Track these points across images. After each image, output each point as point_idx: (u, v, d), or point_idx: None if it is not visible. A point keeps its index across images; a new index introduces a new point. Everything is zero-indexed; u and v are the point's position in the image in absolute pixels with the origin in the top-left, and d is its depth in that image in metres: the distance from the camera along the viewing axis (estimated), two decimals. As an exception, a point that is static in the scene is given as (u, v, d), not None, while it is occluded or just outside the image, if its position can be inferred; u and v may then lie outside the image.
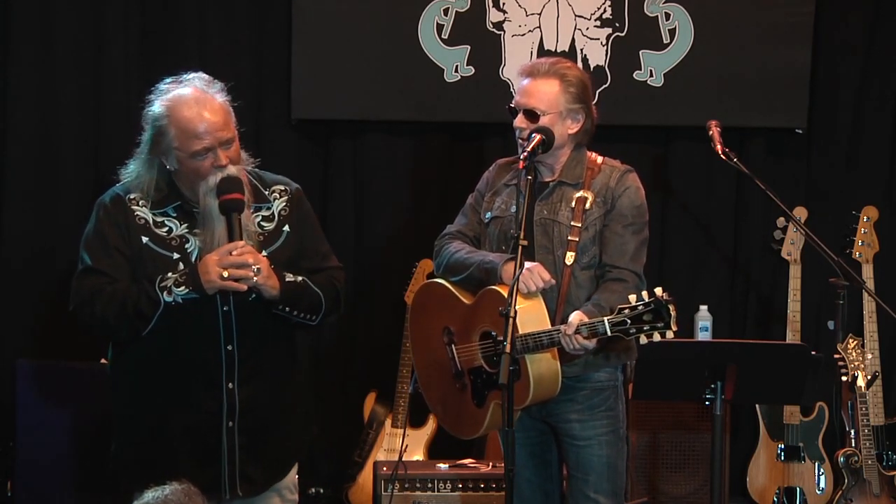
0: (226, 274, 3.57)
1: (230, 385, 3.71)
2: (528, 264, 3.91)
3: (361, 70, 5.96)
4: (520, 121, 4.06)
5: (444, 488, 5.11)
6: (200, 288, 3.59)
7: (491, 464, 5.26)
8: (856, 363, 5.49)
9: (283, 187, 3.86)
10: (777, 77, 6.04)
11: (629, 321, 3.70)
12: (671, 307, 3.67)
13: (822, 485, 5.71)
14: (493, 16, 5.98)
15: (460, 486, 5.13)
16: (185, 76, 3.77)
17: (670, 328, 3.68)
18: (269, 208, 3.81)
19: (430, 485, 5.11)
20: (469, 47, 5.98)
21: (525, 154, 3.91)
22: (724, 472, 5.15)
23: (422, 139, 6.16)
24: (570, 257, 3.99)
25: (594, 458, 4.05)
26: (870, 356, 5.58)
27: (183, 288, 3.60)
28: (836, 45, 6.17)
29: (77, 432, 5.42)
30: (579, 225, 4.00)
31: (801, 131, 6.16)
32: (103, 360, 5.57)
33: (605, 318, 3.73)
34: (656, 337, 3.69)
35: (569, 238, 4.00)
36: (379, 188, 6.14)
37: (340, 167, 6.11)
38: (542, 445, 4.18)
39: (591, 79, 4.18)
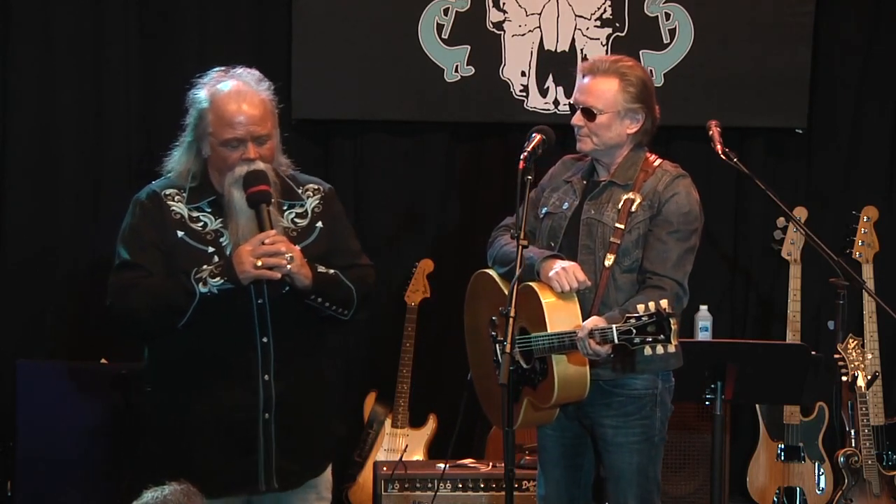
0: (259, 263, 3.59)
1: (266, 377, 3.73)
2: (564, 263, 3.88)
3: (361, 70, 5.96)
4: (577, 119, 4.01)
5: (445, 488, 5.11)
6: (235, 278, 3.61)
7: (491, 464, 5.26)
8: (856, 363, 5.49)
9: (316, 186, 3.93)
10: (777, 77, 6.04)
11: (634, 331, 3.64)
12: (672, 321, 3.62)
13: (822, 485, 5.71)
14: (493, 16, 5.99)
15: (460, 486, 5.12)
16: (235, 69, 3.84)
17: (670, 342, 3.61)
18: (302, 206, 3.86)
19: (430, 485, 5.11)
20: (469, 47, 5.98)
21: (525, 154, 3.88)
22: (724, 472, 5.16)
23: (422, 139, 6.16)
24: (609, 259, 3.94)
25: (625, 464, 4.01)
26: (870, 356, 5.59)
27: (218, 279, 3.62)
28: (836, 45, 6.17)
29: (77, 432, 5.42)
30: (622, 227, 3.94)
31: (801, 131, 6.16)
32: (103, 360, 5.60)
33: (614, 326, 3.69)
34: (659, 350, 3.65)
35: (611, 240, 3.95)
36: (379, 188, 6.14)
37: (340, 167, 6.11)
38: (575, 448, 4.14)
39: (651, 78, 4.12)
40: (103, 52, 5.94)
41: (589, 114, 3.99)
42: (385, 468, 5.19)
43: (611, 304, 3.92)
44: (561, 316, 3.84)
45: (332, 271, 3.77)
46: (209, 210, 3.76)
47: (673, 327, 3.61)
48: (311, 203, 3.88)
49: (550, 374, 3.86)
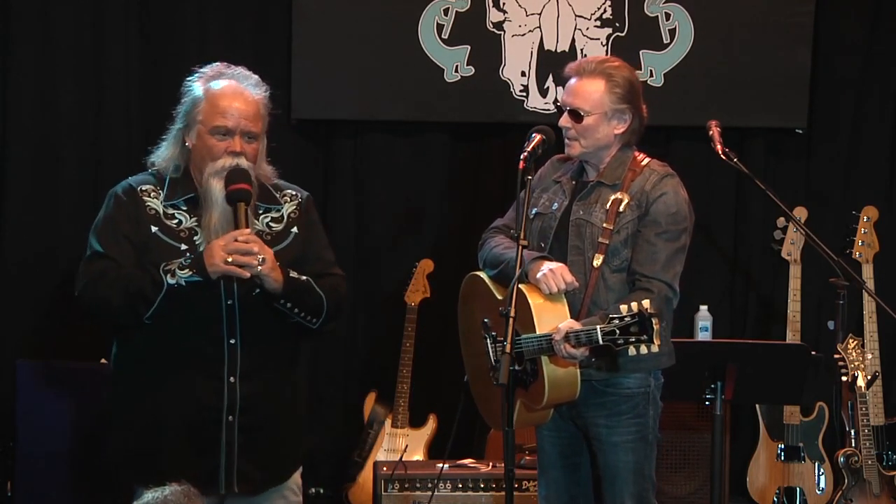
0: (230, 259, 3.59)
1: (231, 379, 3.73)
2: (552, 265, 3.89)
3: (361, 70, 5.96)
4: (564, 120, 4.02)
5: (444, 488, 5.11)
6: (204, 271, 3.61)
7: (491, 464, 5.26)
8: (856, 363, 5.49)
9: (294, 192, 3.93)
10: (777, 77, 6.04)
11: (618, 331, 3.65)
12: (654, 321, 3.62)
13: (822, 485, 5.71)
14: (493, 16, 5.99)
15: (460, 486, 5.12)
16: (236, 68, 3.90)
17: (653, 342, 3.62)
18: (278, 210, 3.86)
19: (430, 485, 5.11)
20: (469, 47, 5.98)
21: (525, 154, 3.88)
22: (724, 472, 5.15)
23: (422, 139, 6.16)
24: (598, 259, 3.94)
25: (620, 462, 4.02)
26: (870, 356, 5.59)
27: (187, 271, 3.63)
28: (836, 45, 6.17)
29: (77, 432, 5.42)
30: (611, 227, 3.94)
31: (801, 131, 6.16)
32: (103, 361, 5.59)
33: (598, 327, 3.69)
34: (643, 349, 3.66)
35: (599, 240, 3.95)
36: (379, 188, 6.14)
37: (340, 167, 6.12)
38: (572, 447, 4.14)
39: (639, 79, 4.13)
40: (103, 52, 5.94)
41: (576, 115, 4.00)
42: (385, 468, 5.19)
43: (601, 304, 3.92)
44: (549, 317, 3.84)
45: (304, 278, 3.76)
46: (185, 208, 3.77)
47: (655, 327, 3.61)
48: (288, 208, 3.88)
49: (541, 376, 3.86)
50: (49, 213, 5.93)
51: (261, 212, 3.81)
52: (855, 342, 5.51)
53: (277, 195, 3.87)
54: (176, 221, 3.75)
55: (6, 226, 5.93)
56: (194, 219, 3.74)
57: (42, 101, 5.92)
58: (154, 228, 3.73)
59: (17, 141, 5.91)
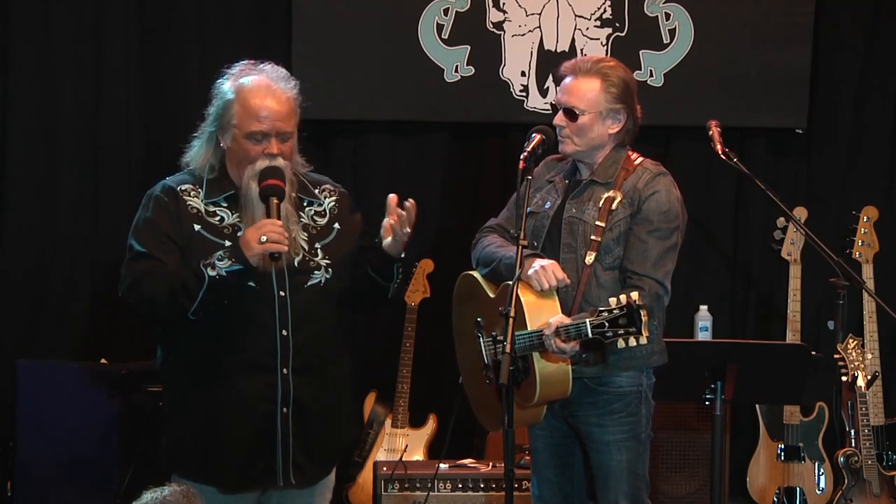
0: (264, 238, 3.61)
1: (284, 371, 3.74)
2: (543, 262, 3.89)
3: (361, 70, 5.96)
4: (559, 119, 4.02)
5: (444, 488, 5.11)
6: (243, 257, 3.62)
7: (491, 464, 5.26)
8: (856, 363, 5.49)
9: (332, 187, 3.97)
10: (777, 77, 6.04)
11: (607, 324, 3.66)
12: (643, 312, 3.62)
13: (822, 485, 5.72)
14: (493, 16, 5.99)
15: (460, 486, 5.13)
16: (263, 64, 3.86)
17: (641, 334, 3.62)
18: (320, 204, 3.90)
19: (430, 485, 5.11)
20: (469, 47, 5.98)
21: (525, 154, 3.88)
22: (724, 472, 5.15)
23: (422, 139, 6.17)
24: (590, 257, 3.94)
25: (613, 462, 4.01)
26: (870, 356, 5.59)
27: (226, 261, 3.64)
28: (836, 45, 6.17)
29: (76, 432, 5.42)
30: (603, 224, 3.95)
31: (801, 131, 6.16)
32: (103, 360, 5.60)
33: (587, 320, 3.69)
34: (632, 342, 3.66)
35: (591, 237, 3.95)
36: (379, 188, 6.13)
37: (340, 167, 6.11)
38: (565, 447, 4.14)
39: (634, 78, 4.13)
40: (103, 52, 5.94)
41: (571, 114, 4.00)
42: (385, 468, 5.19)
43: (593, 302, 3.91)
44: (541, 314, 3.84)
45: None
46: (226, 205, 3.78)
47: (643, 318, 3.61)
48: (329, 203, 3.91)
49: (532, 373, 3.86)
50: (49, 213, 5.94)
51: (305, 205, 3.86)
52: (855, 342, 5.51)
53: (316, 190, 3.91)
54: (218, 219, 3.77)
55: (6, 226, 5.93)
56: (236, 215, 3.76)
57: (42, 99, 5.92)
58: (197, 227, 3.74)
59: (17, 140, 5.91)
